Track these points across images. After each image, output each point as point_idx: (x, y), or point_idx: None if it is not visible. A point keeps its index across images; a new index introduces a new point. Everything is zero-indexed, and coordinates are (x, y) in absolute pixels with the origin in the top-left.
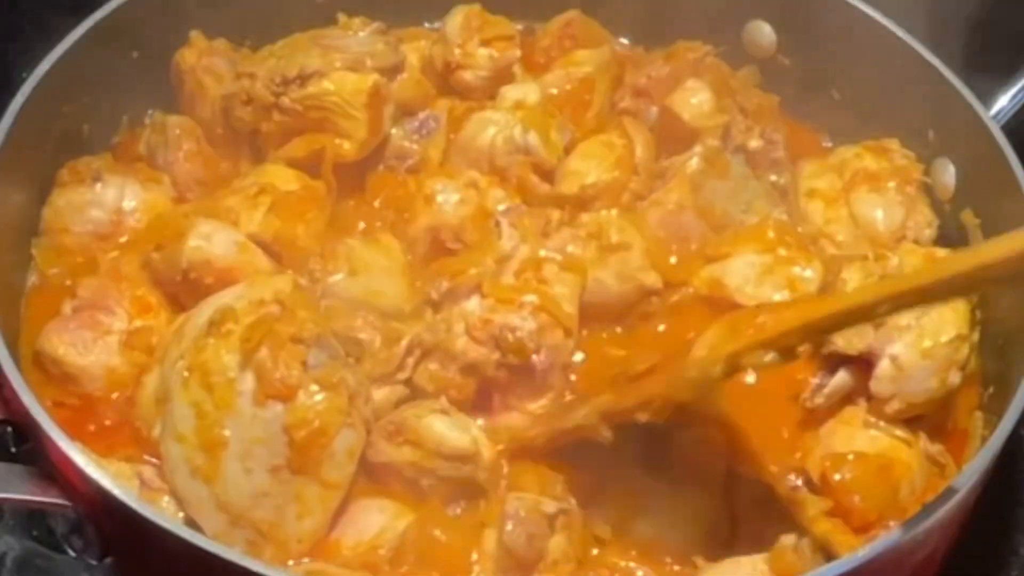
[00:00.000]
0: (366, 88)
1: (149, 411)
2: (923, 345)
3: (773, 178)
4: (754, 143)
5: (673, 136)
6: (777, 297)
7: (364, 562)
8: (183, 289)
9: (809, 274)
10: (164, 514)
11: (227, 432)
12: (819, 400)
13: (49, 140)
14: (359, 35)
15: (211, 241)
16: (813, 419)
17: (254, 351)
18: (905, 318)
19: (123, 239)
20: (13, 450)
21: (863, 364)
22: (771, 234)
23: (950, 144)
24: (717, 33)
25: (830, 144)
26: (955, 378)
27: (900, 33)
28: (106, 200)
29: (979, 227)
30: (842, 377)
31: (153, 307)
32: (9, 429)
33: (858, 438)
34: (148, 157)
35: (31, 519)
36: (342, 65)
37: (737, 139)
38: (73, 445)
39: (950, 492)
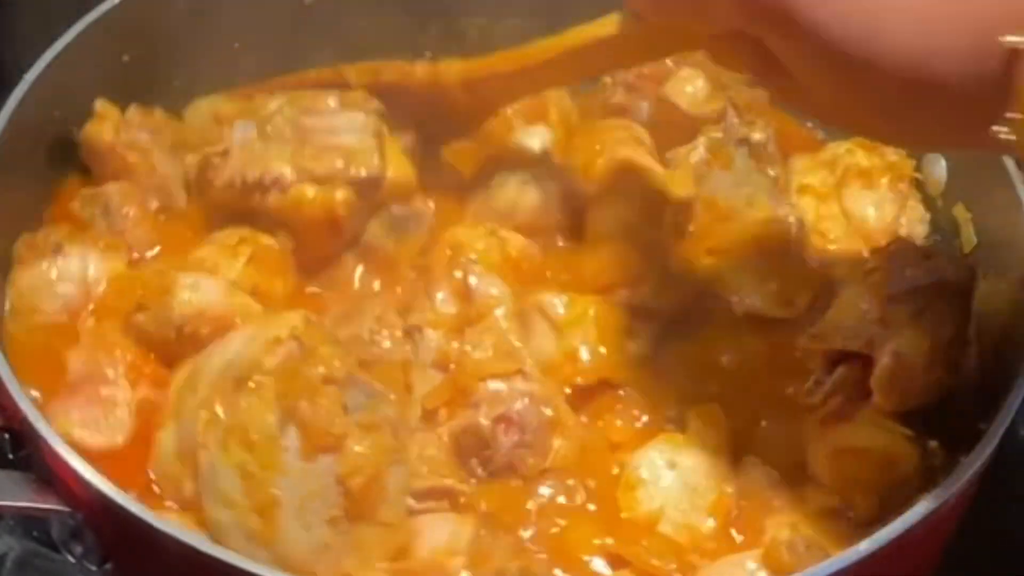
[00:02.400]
0: (332, 209)
1: (172, 468)
2: (923, 341)
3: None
4: (757, 136)
5: (670, 127)
6: (767, 310)
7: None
8: (177, 345)
9: (801, 299)
10: (165, 519)
11: (278, 491)
12: (818, 396)
13: (42, 146)
14: (352, 118)
15: (199, 291)
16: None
17: (293, 406)
18: (906, 313)
19: (92, 308)
20: (10, 456)
21: (862, 360)
22: (772, 239)
23: None
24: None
25: (823, 136)
26: (954, 374)
27: None
28: (71, 272)
29: (971, 221)
30: (841, 373)
31: (149, 371)
32: (6, 435)
33: (859, 434)
34: (88, 227)
35: (32, 520)
36: (311, 178)
37: (740, 131)
38: (71, 451)
39: (947, 487)
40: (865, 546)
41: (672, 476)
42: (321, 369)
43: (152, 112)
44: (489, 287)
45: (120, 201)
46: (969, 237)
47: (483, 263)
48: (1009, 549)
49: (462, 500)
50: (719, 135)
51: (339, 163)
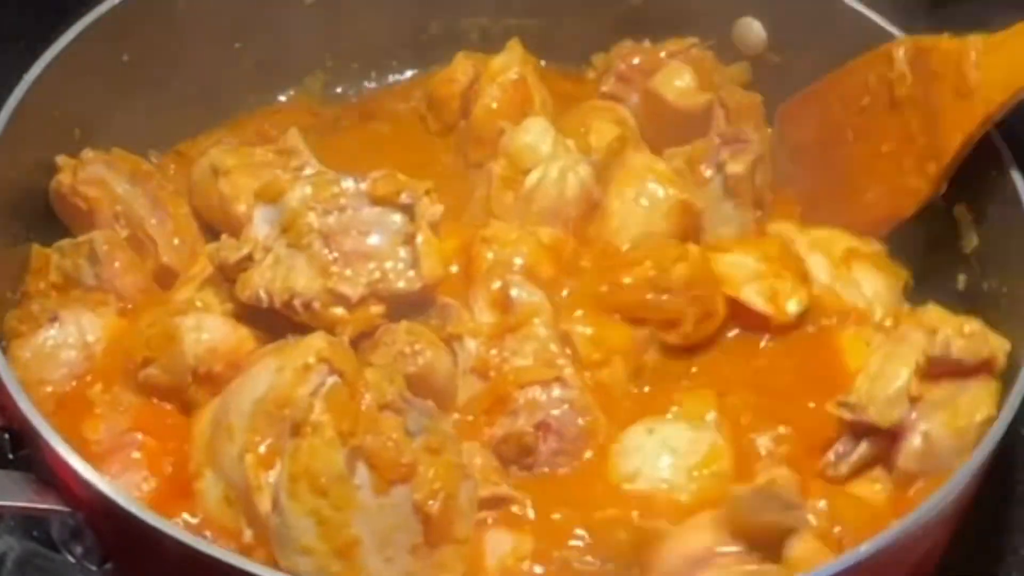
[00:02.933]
0: (366, 325)
1: (224, 516)
2: (957, 424)
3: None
4: (735, 168)
5: (657, 120)
6: (754, 300)
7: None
8: (194, 388)
9: (792, 303)
10: (164, 519)
11: (356, 530)
12: (842, 469)
13: (42, 145)
14: (383, 217)
15: (205, 329)
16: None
17: (360, 443)
18: (941, 394)
19: (96, 373)
20: (11, 456)
21: (888, 435)
22: (775, 251)
23: None
24: (707, 29)
25: None
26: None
27: (893, 30)
28: (71, 337)
29: (971, 221)
30: (866, 448)
31: (172, 422)
32: (6, 435)
33: (863, 488)
34: (73, 282)
35: (32, 520)
36: (343, 302)
37: (721, 155)
38: (71, 451)
39: (947, 487)
40: (866, 547)
41: (651, 441)
42: (371, 396)
43: (108, 151)
44: (530, 296)
45: (108, 249)
46: (969, 237)
47: (527, 263)
48: (1009, 549)
49: (514, 508)
50: (703, 144)
51: (373, 276)
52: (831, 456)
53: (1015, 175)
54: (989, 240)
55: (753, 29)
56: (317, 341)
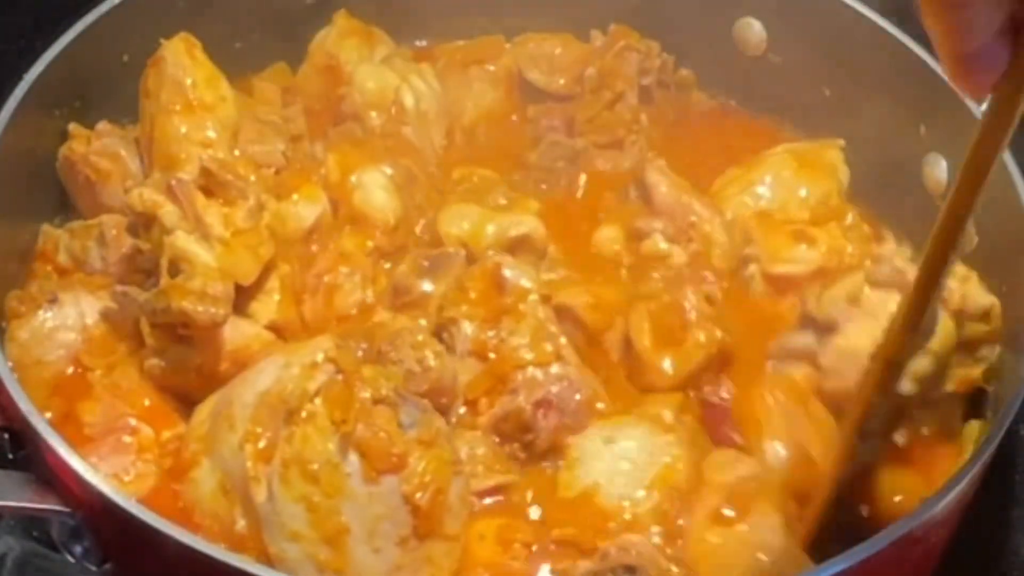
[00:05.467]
0: None
1: (217, 505)
2: (875, 335)
3: None
4: None
5: None
6: None
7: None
8: (197, 383)
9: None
10: (163, 519)
11: (345, 518)
12: (781, 353)
13: (42, 144)
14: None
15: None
16: None
17: (352, 431)
18: (878, 303)
19: (95, 352)
20: (11, 456)
21: (825, 331)
22: None
23: (941, 139)
24: (706, 30)
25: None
26: (905, 386)
27: (891, 29)
28: (70, 319)
29: (971, 221)
30: (807, 337)
31: (170, 412)
32: (6, 436)
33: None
34: (80, 263)
35: (32, 520)
36: None
37: None
38: (71, 451)
39: (947, 487)
40: (866, 547)
41: (608, 452)
42: (368, 392)
43: (123, 126)
44: (523, 275)
45: (116, 233)
46: (970, 237)
47: None
48: (1009, 549)
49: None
50: None
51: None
52: (780, 339)
53: (1014, 173)
54: (989, 240)
55: (753, 29)
56: (325, 342)
